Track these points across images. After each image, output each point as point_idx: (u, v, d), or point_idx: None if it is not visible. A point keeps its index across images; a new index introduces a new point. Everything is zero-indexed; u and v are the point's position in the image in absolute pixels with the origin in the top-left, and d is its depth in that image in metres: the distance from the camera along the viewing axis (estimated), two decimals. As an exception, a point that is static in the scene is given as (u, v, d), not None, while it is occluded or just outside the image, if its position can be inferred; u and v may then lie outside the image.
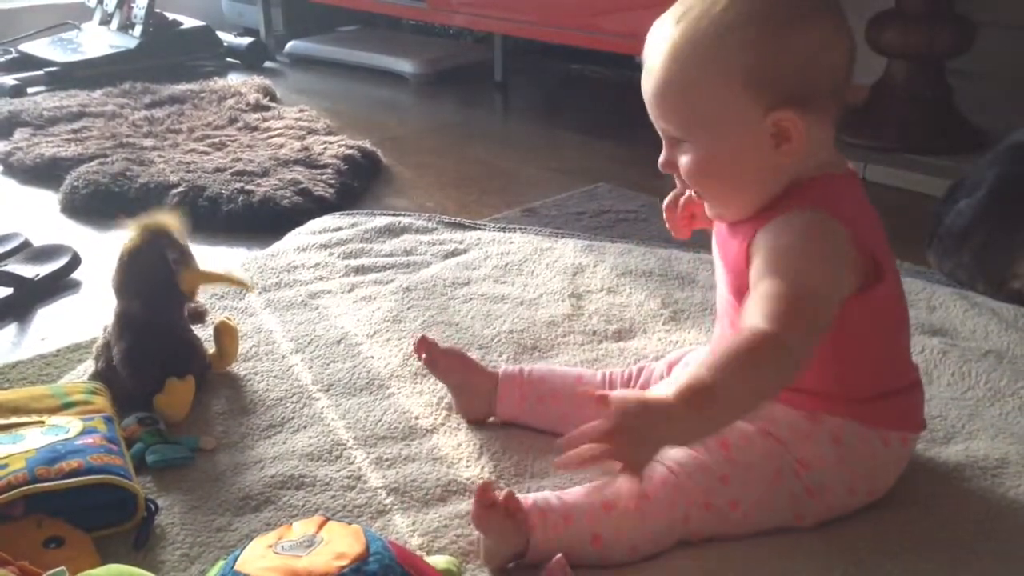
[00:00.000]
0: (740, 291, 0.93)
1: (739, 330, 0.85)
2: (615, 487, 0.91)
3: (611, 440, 0.79)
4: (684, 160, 0.91)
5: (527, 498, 0.91)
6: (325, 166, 1.97)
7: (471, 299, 1.44)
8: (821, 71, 0.87)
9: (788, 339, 0.82)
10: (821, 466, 0.93)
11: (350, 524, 0.81)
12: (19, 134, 2.19)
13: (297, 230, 1.70)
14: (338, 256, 1.59)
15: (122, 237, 1.16)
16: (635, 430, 0.79)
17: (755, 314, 0.83)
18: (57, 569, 0.78)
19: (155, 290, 1.15)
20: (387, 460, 1.06)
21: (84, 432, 0.99)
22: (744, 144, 0.89)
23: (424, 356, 1.14)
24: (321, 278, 1.52)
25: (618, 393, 0.82)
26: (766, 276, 0.86)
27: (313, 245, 1.63)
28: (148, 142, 2.11)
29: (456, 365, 1.13)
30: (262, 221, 1.76)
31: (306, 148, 2.07)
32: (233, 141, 2.13)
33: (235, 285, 1.23)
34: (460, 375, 1.13)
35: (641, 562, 0.90)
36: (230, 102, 2.40)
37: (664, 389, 0.82)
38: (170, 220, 1.17)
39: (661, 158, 0.94)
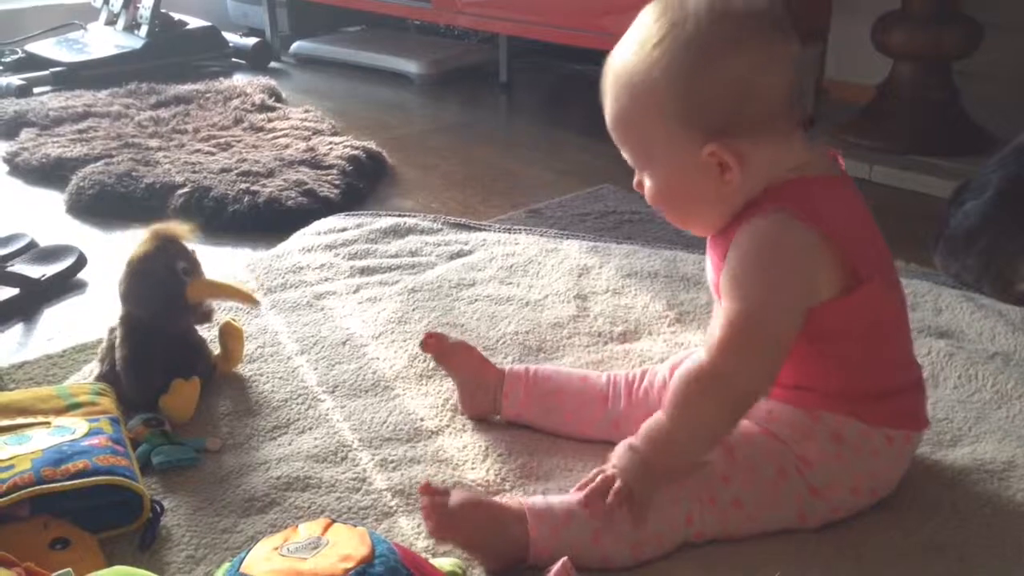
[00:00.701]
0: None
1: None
2: None
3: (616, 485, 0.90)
4: (645, 185, 0.95)
5: (527, 500, 0.91)
6: (330, 167, 1.97)
7: (476, 300, 1.44)
8: (756, 97, 0.87)
9: (725, 369, 0.88)
10: (823, 464, 0.93)
11: (355, 526, 0.81)
12: (25, 134, 2.19)
13: (302, 231, 1.70)
14: (343, 257, 1.59)
15: (129, 239, 1.16)
16: (630, 475, 0.90)
17: (706, 343, 0.90)
18: (63, 571, 0.78)
19: (162, 299, 1.15)
20: (392, 462, 1.06)
21: (90, 433, 0.99)
22: (689, 174, 0.91)
23: (433, 352, 1.14)
24: (326, 279, 1.52)
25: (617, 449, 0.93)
26: (724, 299, 0.90)
27: (318, 246, 1.63)
28: (154, 142, 2.12)
29: (465, 359, 1.14)
30: (267, 222, 1.76)
31: (311, 149, 2.07)
32: (238, 141, 2.13)
33: (242, 300, 1.23)
34: (469, 369, 1.13)
35: (644, 564, 0.90)
36: (235, 102, 2.40)
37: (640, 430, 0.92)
38: (180, 229, 1.17)
39: (634, 180, 0.97)
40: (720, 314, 0.90)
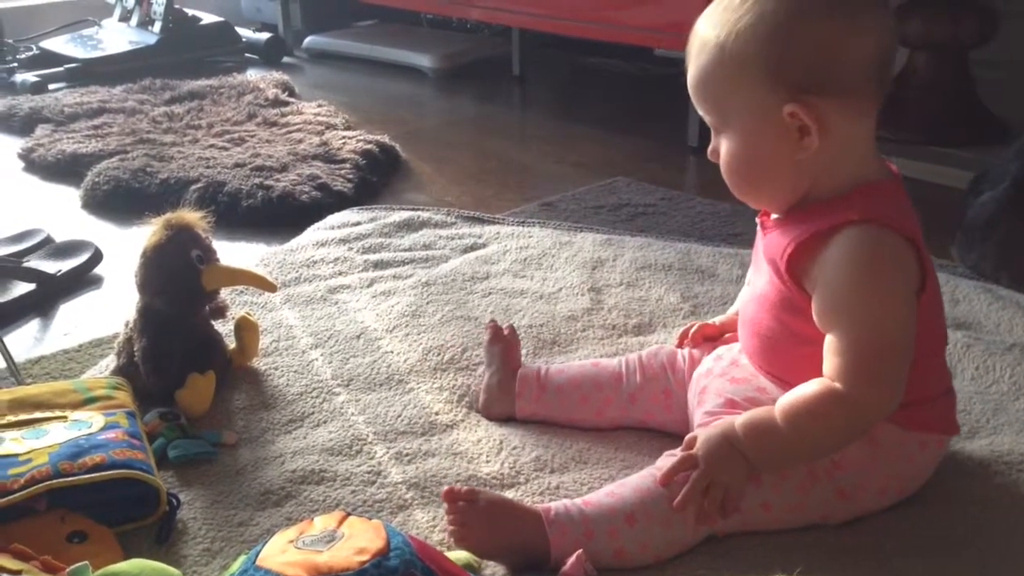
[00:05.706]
0: (775, 287, 0.93)
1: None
2: (638, 497, 0.89)
3: (699, 463, 0.88)
4: (721, 150, 0.93)
5: (549, 509, 0.90)
6: (344, 161, 1.98)
7: (490, 293, 1.44)
8: (844, 59, 0.86)
9: (862, 399, 0.86)
10: (856, 467, 0.92)
11: (371, 519, 0.81)
12: (40, 131, 2.21)
13: (316, 225, 1.70)
14: (357, 251, 1.59)
15: (145, 233, 1.17)
16: (716, 453, 0.88)
17: (827, 369, 0.87)
18: (80, 564, 0.78)
19: (178, 287, 1.15)
20: (407, 455, 1.06)
21: (106, 427, 0.99)
22: (766, 136, 0.89)
23: (490, 336, 1.16)
24: (340, 273, 1.52)
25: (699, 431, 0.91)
26: (834, 325, 0.87)
27: (332, 240, 1.63)
28: (168, 138, 2.12)
29: (513, 355, 1.15)
30: (281, 216, 1.76)
31: (325, 143, 2.07)
32: (252, 136, 2.14)
33: (258, 284, 1.23)
34: (510, 365, 1.14)
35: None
36: (249, 98, 2.41)
37: (734, 419, 0.90)
38: (194, 217, 1.17)
39: (709, 147, 0.96)
40: (831, 345, 0.87)
